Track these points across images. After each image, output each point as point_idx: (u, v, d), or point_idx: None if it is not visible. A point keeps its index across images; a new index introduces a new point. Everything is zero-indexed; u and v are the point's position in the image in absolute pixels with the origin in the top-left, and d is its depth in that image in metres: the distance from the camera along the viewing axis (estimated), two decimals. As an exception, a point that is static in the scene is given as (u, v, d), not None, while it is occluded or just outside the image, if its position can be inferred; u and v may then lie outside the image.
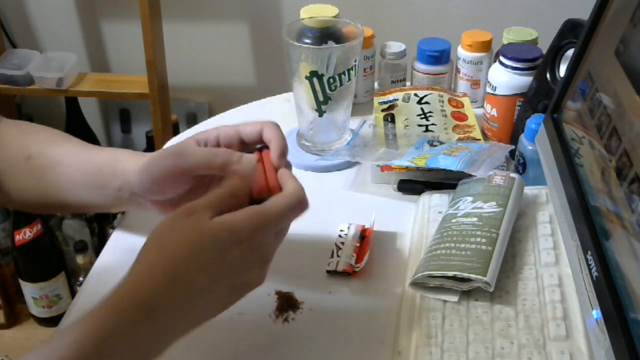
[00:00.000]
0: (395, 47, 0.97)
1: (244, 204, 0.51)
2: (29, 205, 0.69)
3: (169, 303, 0.46)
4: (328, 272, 0.67)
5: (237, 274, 0.49)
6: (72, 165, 0.64)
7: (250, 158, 0.56)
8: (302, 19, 0.84)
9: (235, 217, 0.49)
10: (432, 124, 0.86)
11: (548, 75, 0.82)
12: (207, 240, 0.48)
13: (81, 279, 1.63)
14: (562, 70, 0.80)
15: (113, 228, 1.61)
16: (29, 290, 1.55)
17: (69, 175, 0.63)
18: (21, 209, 0.70)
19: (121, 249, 0.72)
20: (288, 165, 0.59)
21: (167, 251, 0.48)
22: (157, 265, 0.48)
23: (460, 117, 0.88)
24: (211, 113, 1.92)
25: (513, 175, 0.70)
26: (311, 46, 0.81)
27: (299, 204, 0.52)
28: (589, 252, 0.53)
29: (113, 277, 0.68)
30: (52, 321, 1.59)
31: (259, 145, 0.59)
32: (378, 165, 0.80)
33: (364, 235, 0.71)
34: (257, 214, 0.50)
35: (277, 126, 0.59)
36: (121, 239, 0.74)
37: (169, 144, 0.91)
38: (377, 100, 0.93)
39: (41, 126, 0.70)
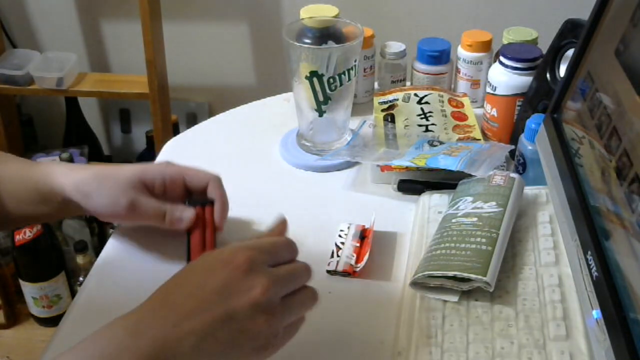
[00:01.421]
0: (395, 47, 0.97)
1: None
2: None
3: (153, 328, 0.44)
4: (328, 272, 0.67)
5: (226, 302, 0.45)
6: (14, 182, 0.65)
7: (188, 213, 0.65)
8: (302, 19, 0.84)
9: (229, 246, 0.49)
10: (432, 124, 0.86)
11: (548, 75, 0.82)
12: (198, 265, 0.49)
13: (81, 279, 1.64)
14: (562, 70, 0.80)
15: (113, 228, 1.61)
16: (29, 290, 1.55)
17: (11, 191, 0.65)
18: None
19: (121, 249, 0.72)
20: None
21: (164, 284, 0.49)
22: (152, 295, 0.48)
23: (460, 117, 0.88)
24: (211, 113, 1.93)
25: (513, 175, 0.70)
26: (311, 46, 0.81)
27: (289, 245, 0.52)
28: (589, 252, 0.53)
29: (113, 277, 0.69)
30: (52, 321, 1.59)
31: (202, 201, 0.67)
32: (378, 165, 0.80)
33: (364, 235, 0.71)
34: (248, 242, 0.50)
35: (221, 183, 0.65)
36: (121, 239, 0.74)
37: (168, 145, 0.91)
38: (377, 100, 0.93)
39: None
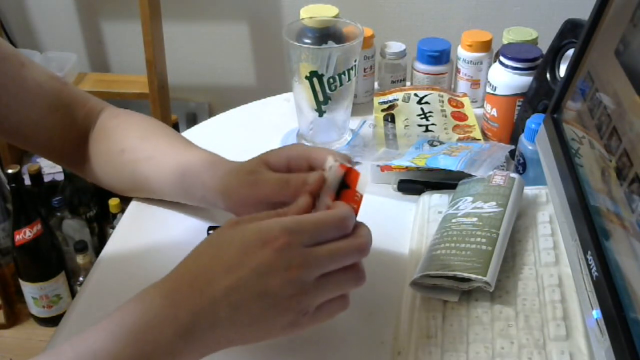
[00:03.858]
0: (395, 47, 0.97)
1: None
2: (119, 190, 0.75)
3: (190, 298, 0.46)
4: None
5: (261, 280, 0.47)
6: (162, 163, 0.67)
7: (314, 175, 0.55)
8: (302, 19, 0.84)
9: (266, 220, 0.49)
10: (432, 124, 0.86)
11: (548, 75, 0.82)
12: (235, 240, 0.48)
13: (81, 279, 1.64)
14: (562, 70, 0.80)
15: (113, 228, 1.61)
16: (29, 290, 1.55)
17: (158, 172, 0.68)
18: (110, 190, 0.76)
19: (121, 249, 0.72)
20: None
21: (198, 252, 0.50)
22: (186, 263, 0.49)
23: (460, 117, 0.88)
24: (211, 113, 1.93)
25: (513, 175, 0.70)
26: (311, 46, 0.81)
27: (339, 223, 0.50)
28: (589, 252, 0.53)
29: (113, 277, 0.69)
30: (52, 321, 1.59)
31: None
32: (378, 165, 0.80)
33: (346, 184, 0.57)
34: (289, 219, 0.49)
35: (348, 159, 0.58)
36: (121, 239, 0.74)
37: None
38: (377, 100, 0.93)
39: (140, 117, 0.75)
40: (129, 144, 0.70)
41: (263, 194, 0.59)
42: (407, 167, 0.78)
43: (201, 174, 0.65)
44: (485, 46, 0.93)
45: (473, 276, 0.58)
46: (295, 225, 0.48)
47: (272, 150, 0.62)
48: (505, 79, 0.84)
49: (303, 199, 0.53)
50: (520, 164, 0.77)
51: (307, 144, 0.87)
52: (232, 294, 0.46)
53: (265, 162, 0.61)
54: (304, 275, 0.47)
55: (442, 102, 0.90)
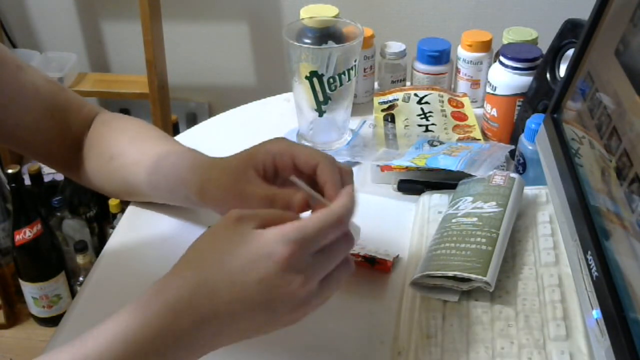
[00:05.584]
0: (395, 47, 0.97)
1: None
2: (114, 195, 0.77)
3: (193, 308, 0.46)
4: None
5: (265, 293, 0.47)
6: (148, 167, 0.67)
7: (297, 197, 0.56)
8: (302, 19, 0.84)
9: (270, 231, 0.48)
10: (432, 124, 0.86)
11: (548, 75, 0.82)
12: (239, 251, 0.48)
13: (81, 279, 1.63)
14: (562, 70, 0.80)
15: (113, 228, 1.61)
16: (29, 290, 1.55)
17: (145, 176, 0.67)
18: (106, 195, 0.78)
19: (121, 249, 0.72)
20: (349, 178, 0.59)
21: (200, 256, 0.49)
22: (187, 267, 0.49)
23: (460, 117, 0.88)
24: (211, 113, 1.93)
25: (513, 175, 0.70)
26: (311, 46, 0.81)
27: (339, 224, 0.49)
28: (589, 252, 0.53)
29: (113, 277, 0.69)
30: (52, 321, 1.59)
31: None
32: (378, 165, 0.80)
33: (376, 261, 0.67)
34: (292, 229, 0.48)
35: (333, 166, 0.57)
36: (121, 239, 0.74)
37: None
38: (377, 100, 0.93)
39: (129, 121, 0.74)
40: (116, 150, 0.70)
41: (249, 207, 0.59)
42: (407, 167, 0.78)
43: (183, 174, 0.64)
44: (485, 46, 0.93)
45: (473, 276, 0.58)
46: (298, 235, 0.47)
47: (257, 149, 0.61)
48: (505, 79, 0.84)
49: (298, 199, 0.55)
50: (520, 164, 0.77)
51: (307, 144, 0.87)
52: (235, 306, 0.47)
53: (253, 166, 0.60)
54: (307, 287, 0.48)
55: (442, 102, 0.90)
